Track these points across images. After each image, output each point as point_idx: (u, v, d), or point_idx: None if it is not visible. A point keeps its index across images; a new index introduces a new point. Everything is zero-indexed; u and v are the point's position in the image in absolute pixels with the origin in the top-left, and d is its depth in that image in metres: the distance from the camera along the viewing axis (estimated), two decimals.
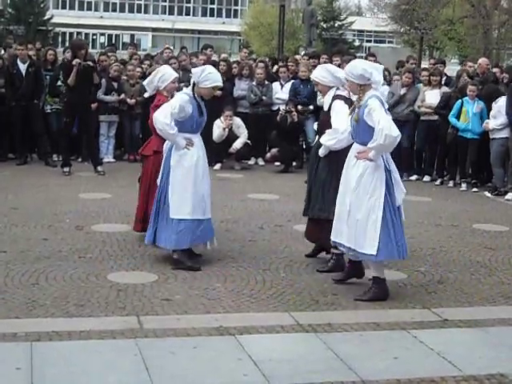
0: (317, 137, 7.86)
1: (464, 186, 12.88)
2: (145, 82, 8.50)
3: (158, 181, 7.57)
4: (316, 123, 8.26)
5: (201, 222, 7.47)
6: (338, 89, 7.52)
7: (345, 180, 6.81)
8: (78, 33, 77.60)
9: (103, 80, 13.62)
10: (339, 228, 6.81)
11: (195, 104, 7.42)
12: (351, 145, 6.89)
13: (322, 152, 7.49)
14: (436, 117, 13.27)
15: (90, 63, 12.49)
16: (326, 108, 7.57)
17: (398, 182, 6.77)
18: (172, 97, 7.89)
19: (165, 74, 8.23)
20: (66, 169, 12.57)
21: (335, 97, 7.47)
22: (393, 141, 6.40)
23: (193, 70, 7.73)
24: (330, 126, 7.36)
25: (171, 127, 7.27)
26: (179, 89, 8.64)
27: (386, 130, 6.35)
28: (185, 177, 7.39)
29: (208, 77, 7.45)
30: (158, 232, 7.51)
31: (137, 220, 8.41)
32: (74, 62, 12.21)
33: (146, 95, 8.67)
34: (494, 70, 14.19)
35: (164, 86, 8.17)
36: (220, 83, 7.67)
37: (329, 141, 7.31)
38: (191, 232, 7.41)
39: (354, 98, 6.95)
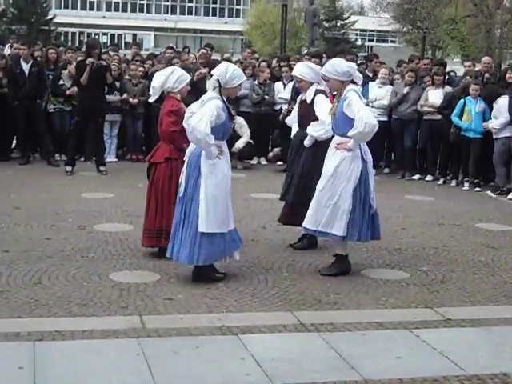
0: (296, 128, 8.32)
1: (467, 185, 12.87)
2: (156, 84, 7.65)
3: (181, 190, 6.97)
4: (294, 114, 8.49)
5: (226, 235, 6.99)
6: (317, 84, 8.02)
7: (325, 169, 7.33)
8: (81, 32, 77.71)
9: None
10: (314, 216, 7.32)
11: (225, 108, 6.95)
12: (333, 136, 7.43)
13: (307, 143, 8.00)
14: (439, 116, 13.24)
15: (103, 63, 12.51)
16: (309, 101, 8.01)
17: (371, 174, 7.39)
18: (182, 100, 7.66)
19: (182, 74, 7.68)
20: (69, 168, 12.56)
21: (317, 91, 7.95)
22: (372, 128, 6.97)
23: (214, 71, 7.08)
24: (311, 118, 7.89)
25: (211, 137, 6.65)
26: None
27: (366, 118, 6.94)
28: (218, 188, 6.86)
29: (234, 74, 7.00)
30: (181, 247, 6.91)
31: (149, 235, 7.74)
32: (87, 62, 12.24)
33: (152, 100, 7.85)
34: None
35: (180, 88, 7.63)
36: (244, 77, 7.36)
37: (317, 131, 7.83)
38: (218, 246, 6.94)
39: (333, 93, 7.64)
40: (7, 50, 15.80)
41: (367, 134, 7.02)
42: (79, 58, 13.83)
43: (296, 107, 8.40)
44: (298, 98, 8.38)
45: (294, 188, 8.20)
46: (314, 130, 7.86)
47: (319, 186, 7.32)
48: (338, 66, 7.24)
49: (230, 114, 7.08)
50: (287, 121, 8.80)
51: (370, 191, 7.28)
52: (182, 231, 6.89)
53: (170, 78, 7.57)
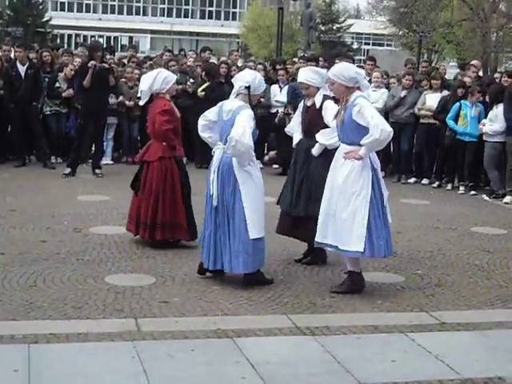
0: (300, 135, 7.85)
1: (462, 189, 12.90)
2: (144, 87, 7.90)
3: (214, 200, 6.85)
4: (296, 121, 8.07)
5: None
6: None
7: (331, 180, 6.92)
8: (77, 35, 77.66)
9: None
10: (325, 230, 6.92)
11: (254, 117, 6.90)
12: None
13: (316, 151, 7.54)
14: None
15: (106, 65, 12.51)
16: (317, 106, 7.56)
17: (382, 181, 6.97)
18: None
19: (168, 75, 7.94)
20: (68, 171, 12.54)
21: (325, 97, 7.54)
22: (387, 136, 6.60)
23: (244, 78, 7.01)
24: (320, 125, 7.42)
25: (253, 150, 6.72)
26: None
27: (381, 125, 6.56)
28: (257, 192, 6.85)
29: (261, 81, 7.04)
30: (233, 258, 6.82)
31: (144, 226, 8.06)
32: (89, 64, 12.25)
33: (142, 103, 8.09)
34: (496, 74, 14.17)
35: (167, 88, 7.88)
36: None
37: (329, 140, 7.33)
38: (264, 250, 6.99)
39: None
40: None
41: (382, 142, 6.65)
42: (77, 60, 13.87)
43: (299, 114, 7.92)
44: (301, 105, 7.91)
45: (304, 200, 7.66)
46: (326, 139, 7.36)
47: (329, 198, 6.89)
48: (346, 70, 6.88)
49: (256, 121, 7.04)
50: (287, 129, 8.30)
51: (385, 200, 6.89)
52: (226, 241, 6.83)
53: (156, 80, 7.80)
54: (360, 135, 6.66)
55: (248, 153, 6.68)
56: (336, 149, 7.06)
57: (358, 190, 6.70)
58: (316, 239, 7.03)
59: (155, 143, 7.98)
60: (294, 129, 7.96)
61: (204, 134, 7.24)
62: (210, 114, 7.15)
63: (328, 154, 7.32)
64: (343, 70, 6.90)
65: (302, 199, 7.69)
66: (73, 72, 14.02)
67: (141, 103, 8.12)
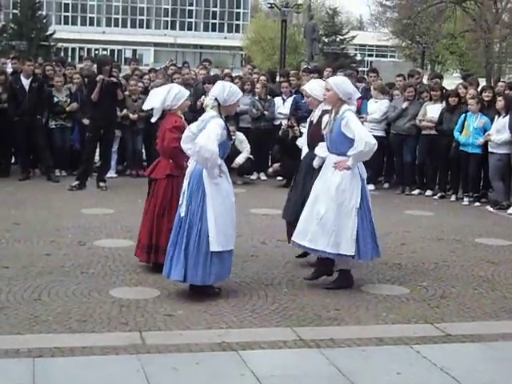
0: (305, 148, 8.14)
1: (466, 200, 12.87)
2: (156, 104, 7.69)
3: (182, 211, 6.91)
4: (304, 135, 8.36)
5: (231, 253, 7.10)
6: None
7: (319, 188, 7.36)
8: (81, 48, 78.02)
9: None
10: (305, 231, 7.36)
11: (226, 127, 6.97)
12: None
13: (316, 163, 7.77)
14: None
15: (114, 79, 12.53)
16: (315, 121, 7.90)
17: (368, 189, 7.59)
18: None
19: (180, 90, 7.75)
20: (75, 183, 12.55)
21: (324, 111, 7.77)
22: (372, 148, 7.14)
23: (211, 91, 7.11)
24: (319, 139, 7.70)
25: (218, 157, 6.75)
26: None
27: (366, 138, 7.11)
28: (224, 206, 6.89)
29: (232, 92, 7.03)
30: (189, 269, 6.83)
31: (143, 249, 7.79)
32: (97, 78, 12.27)
33: (154, 120, 7.86)
34: (499, 84, 14.15)
35: (179, 105, 7.72)
36: (241, 93, 7.36)
37: (325, 152, 7.61)
38: (227, 264, 7.01)
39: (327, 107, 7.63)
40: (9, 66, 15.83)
41: (367, 153, 7.18)
42: (84, 73, 13.91)
43: (306, 128, 8.25)
44: (308, 119, 8.17)
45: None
46: (322, 151, 7.65)
47: (322, 207, 7.25)
48: (346, 84, 7.41)
49: (229, 133, 7.11)
50: (298, 143, 8.71)
51: (371, 208, 7.40)
52: (189, 252, 6.82)
53: (168, 96, 7.65)
54: (347, 146, 7.18)
55: (212, 159, 6.67)
56: None
57: (348, 198, 7.21)
58: (293, 238, 7.48)
59: (163, 160, 7.80)
60: (304, 142, 8.27)
61: (185, 146, 7.24)
62: (193, 127, 7.18)
63: None
64: (344, 83, 7.45)
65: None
66: (75, 86, 14.08)
67: (152, 120, 7.91)
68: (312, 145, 7.86)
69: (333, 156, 7.35)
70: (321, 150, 7.68)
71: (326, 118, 7.62)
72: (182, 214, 6.91)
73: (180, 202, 7.00)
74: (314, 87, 7.94)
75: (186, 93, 7.85)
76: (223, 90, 7.00)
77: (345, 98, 7.30)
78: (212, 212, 6.81)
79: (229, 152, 7.26)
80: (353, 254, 7.22)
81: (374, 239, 7.41)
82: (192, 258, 6.81)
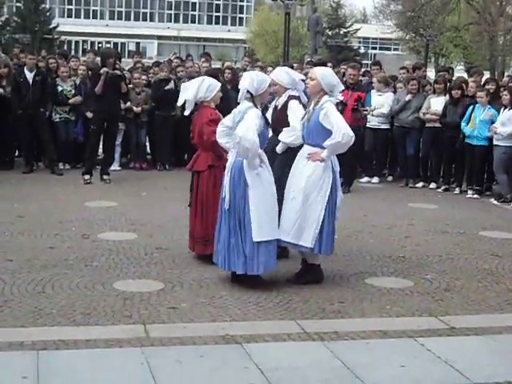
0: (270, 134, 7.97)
1: (470, 192, 12.84)
2: (189, 96, 7.68)
3: (226, 203, 6.97)
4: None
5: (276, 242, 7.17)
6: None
7: (293, 180, 7.25)
8: (84, 41, 77.94)
9: None
10: (285, 227, 7.19)
11: (262, 117, 7.06)
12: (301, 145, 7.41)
13: (279, 149, 7.78)
14: None
15: (118, 72, 12.51)
16: (279, 107, 7.88)
17: (339, 182, 7.38)
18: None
19: (212, 82, 7.78)
20: (87, 177, 12.55)
21: (290, 97, 7.80)
22: (349, 139, 6.99)
23: (242, 82, 7.13)
24: (283, 124, 7.71)
25: (258, 146, 6.80)
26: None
27: (344, 129, 6.97)
28: (266, 196, 6.94)
29: (260, 80, 7.10)
30: (231, 257, 6.97)
31: (199, 241, 7.84)
32: (101, 71, 12.26)
33: (187, 112, 7.82)
34: (504, 79, 14.11)
35: (212, 96, 7.75)
36: (269, 79, 7.39)
37: (288, 138, 7.67)
38: (274, 252, 7.09)
39: (304, 99, 7.70)
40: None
41: (344, 145, 7.04)
42: (88, 65, 13.92)
43: (270, 113, 8.06)
44: (272, 104, 8.19)
45: None
46: (286, 136, 7.70)
47: (289, 195, 7.22)
48: (331, 77, 7.29)
49: (267, 122, 7.16)
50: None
51: (338, 201, 7.27)
52: (235, 242, 6.92)
53: (201, 88, 7.68)
54: (324, 138, 7.04)
55: (253, 149, 6.74)
56: (299, 147, 7.40)
57: (317, 191, 7.10)
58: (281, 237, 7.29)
59: (202, 152, 7.86)
60: None
61: (221, 140, 7.36)
62: (227, 121, 7.28)
63: (291, 152, 7.59)
64: (329, 75, 7.34)
65: None
66: (80, 78, 14.08)
67: (186, 113, 7.87)
68: (276, 130, 7.77)
69: (307, 147, 7.24)
70: (284, 135, 7.69)
71: (293, 104, 7.69)
72: (227, 207, 6.97)
73: (223, 195, 7.04)
74: (280, 74, 7.92)
75: (218, 85, 7.88)
76: (252, 81, 7.04)
77: (327, 89, 7.18)
78: (254, 203, 6.87)
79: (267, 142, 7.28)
80: (312, 246, 7.11)
81: (333, 234, 7.31)
82: (246, 249, 6.89)
